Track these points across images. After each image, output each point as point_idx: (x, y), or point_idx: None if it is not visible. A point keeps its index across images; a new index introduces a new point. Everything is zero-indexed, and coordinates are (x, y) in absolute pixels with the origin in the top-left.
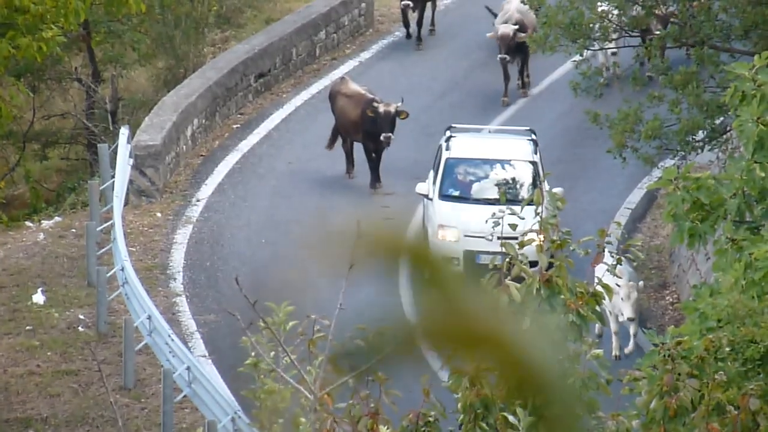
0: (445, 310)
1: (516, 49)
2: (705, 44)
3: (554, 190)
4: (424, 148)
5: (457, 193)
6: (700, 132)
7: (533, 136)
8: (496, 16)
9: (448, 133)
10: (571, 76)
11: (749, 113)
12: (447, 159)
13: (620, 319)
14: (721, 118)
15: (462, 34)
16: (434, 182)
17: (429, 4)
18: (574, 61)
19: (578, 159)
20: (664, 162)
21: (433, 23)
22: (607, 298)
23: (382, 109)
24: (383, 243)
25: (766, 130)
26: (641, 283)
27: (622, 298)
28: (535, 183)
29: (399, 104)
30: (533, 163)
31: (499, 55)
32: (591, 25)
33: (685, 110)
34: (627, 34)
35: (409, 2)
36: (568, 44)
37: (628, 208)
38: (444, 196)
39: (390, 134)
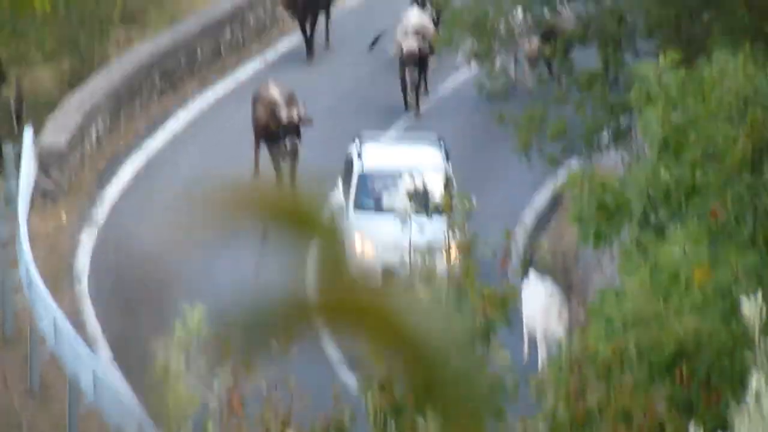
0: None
1: (419, 61)
2: (610, 44)
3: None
4: (330, 153)
5: (371, 205)
6: (605, 133)
7: (443, 144)
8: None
9: (357, 142)
10: (475, 76)
11: (654, 114)
12: (359, 170)
13: (545, 335)
14: (626, 119)
15: (364, 38)
16: (346, 194)
17: (323, 13)
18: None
19: (484, 161)
20: (570, 162)
21: (327, 35)
22: (523, 307)
23: (285, 117)
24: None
25: (670, 131)
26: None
27: (550, 315)
28: (448, 191)
29: (302, 109)
30: (445, 171)
31: (405, 72)
32: (496, 25)
33: (590, 111)
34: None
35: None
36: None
37: (534, 210)
38: (358, 208)
39: (294, 140)
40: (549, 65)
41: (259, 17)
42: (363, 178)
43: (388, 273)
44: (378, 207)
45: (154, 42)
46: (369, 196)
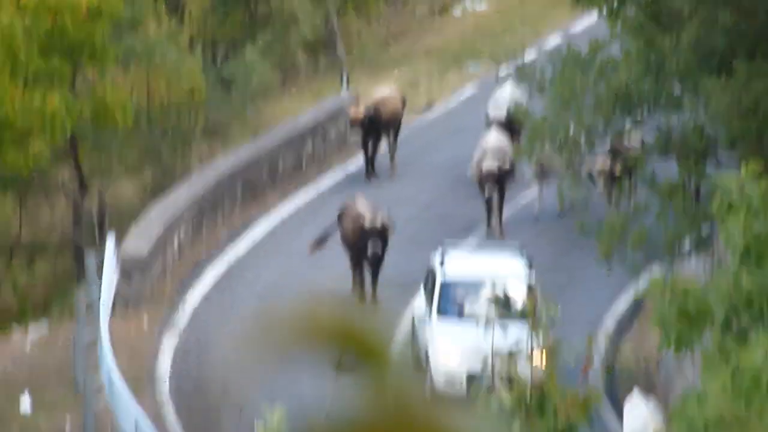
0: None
1: (497, 183)
2: (691, 155)
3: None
4: (411, 259)
5: (454, 312)
6: (686, 241)
7: (524, 252)
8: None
9: (441, 252)
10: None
11: (736, 223)
12: (442, 278)
13: None
14: (707, 228)
15: (445, 147)
16: (429, 301)
17: (387, 134)
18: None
19: (565, 268)
20: (650, 271)
21: (392, 157)
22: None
23: (368, 225)
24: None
25: (752, 240)
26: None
27: None
28: (531, 297)
29: (385, 217)
30: (526, 278)
31: (486, 192)
32: (578, 137)
33: (671, 219)
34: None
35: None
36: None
37: (615, 317)
38: (441, 315)
39: (377, 247)
40: (620, 179)
41: (340, 130)
42: (446, 285)
43: (472, 379)
44: (461, 314)
45: (236, 154)
46: (452, 303)
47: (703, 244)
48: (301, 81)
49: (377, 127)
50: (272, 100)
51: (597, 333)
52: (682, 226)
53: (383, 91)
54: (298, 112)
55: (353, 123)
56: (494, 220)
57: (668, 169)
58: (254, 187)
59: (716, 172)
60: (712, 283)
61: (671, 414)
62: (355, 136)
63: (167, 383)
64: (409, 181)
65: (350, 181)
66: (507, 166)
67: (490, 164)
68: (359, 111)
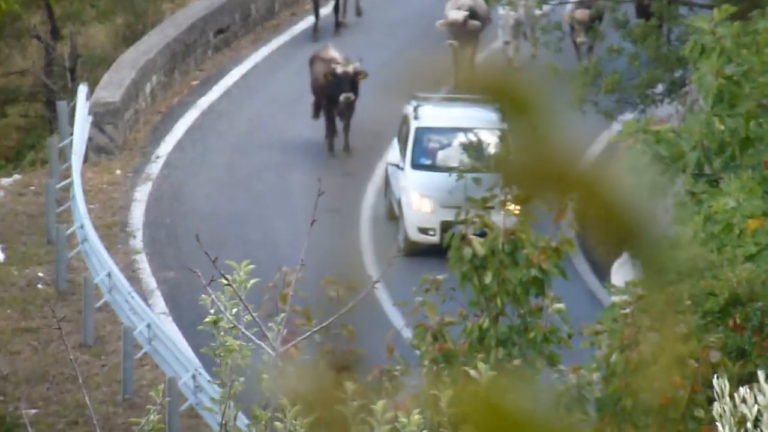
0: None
1: (466, 36)
2: None
3: None
4: (383, 106)
5: (429, 162)
6: (660, 85)
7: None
8: None
9: (413, 102)
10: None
11: (708, 66)
12: (416, 127)
13: None
14: (680, 72)
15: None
16: (403, 152)
17: None
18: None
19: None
20: (624, 116)
21: (357, 7)
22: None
23: (339, 70)
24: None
25: (725, 83)
26: None
27: None
28: (504, 146)
29: (357, 64)
30: (503, 130)
31: (448, 41)
32: None
33: (645, 64)
34: None
35: None
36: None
37: (589, 162)
38: (416, 166)
39: (349, 95)
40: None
41: None
42: (420, 133)
43: (446, 228)
44: (434, 165)
45: None
46: (426, 151)
47: (676, 89)
48: None
49: None
50: None
51: None
52: (655, 71)
53: None
54: None
55: None
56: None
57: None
58: (227, 32)
59: (689, 14)
60: (685, 128)
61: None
62: None
63: (140, 233)
64: (381, 28)
65: (323, 24)
66: (475, 20)
67: (456, 13)
68: None
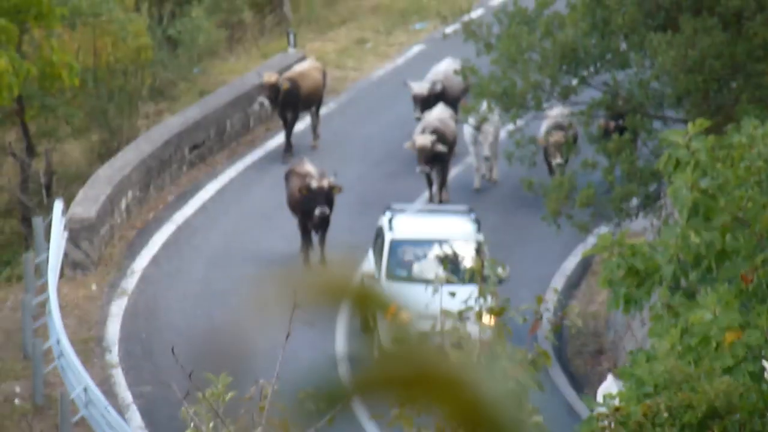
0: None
1: (434, 159)
2: (638, 112)
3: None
4: (359, 217)
5: (404, 274)
6: (634, 199)
7: (473, 215)
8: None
9: (388, 214)
10: (504, 145)
11: (683, 180)
12: (392, 240)
13: None
14: (655, 185)
15: (394, 106)
16: (379, 263)
17: (308, 109)
18: (509, 130)
19: (513, 227)
20: (599, 229)
21: (315, 131)
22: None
23: (314, 184)
24: (329, 285)
25: (700, 196)
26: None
27: None
28: (479, 258)
29: (331, 179)
30: (478, 242)
31: (419, 167)
32: (524, 95)
33: (619, 178)
34: (560, 104)
35: (264, 101)
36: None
37: (564, 275)
38: (392, 277)
39: (324, 209)
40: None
41: None
42: (395, 245)
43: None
44: (410, 276)
45: (183, 114)
46: (401, 263)
47: (650, 202)
48: (248, 40)
49: (296, 101)
50: (219, 59)
51: (546, 292)
52: (630, 185)
53: (303, 64)
54: (245, 71)
55: (267, 87)
56: (434, 190)
57: None
58: (202, 147)
59: (663, 129)
60: (660, 241)
61: (620, 373)
62: (264, 106)
63: (116, 347)
64: (357, 140)
65: (297, 141)
66: (441, 145)
67: (423, 138)
68: (272, 75)
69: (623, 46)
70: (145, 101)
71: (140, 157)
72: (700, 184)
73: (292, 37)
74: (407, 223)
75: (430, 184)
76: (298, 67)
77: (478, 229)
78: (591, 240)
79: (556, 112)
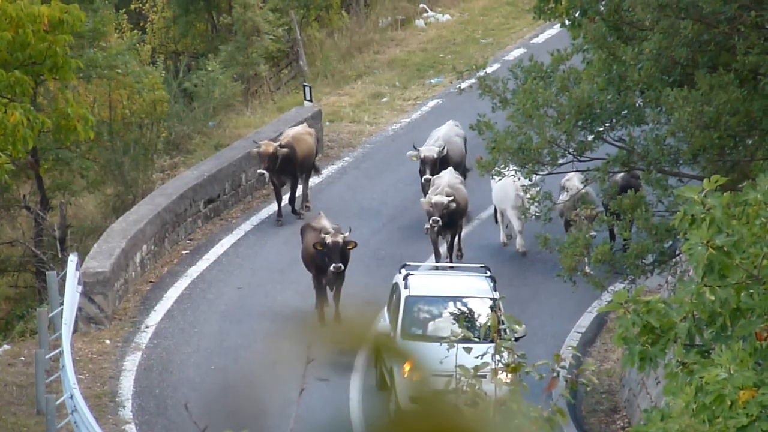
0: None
1: (447, 222)
2: (653, 168)
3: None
4: (374, 272)
5: (419, 332)
6: (649, 256)
7: (489, 273)
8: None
9: (403, 272)
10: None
11: (699, 237)
12: (407, 297)
13: None
14: (670, 242)
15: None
16: (395, 321)
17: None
18: (523, 186)
19: (528, 283)
20: (614, 286)
21: (305, 194)
22: None
23: (329, 240)
24: (346, 338)
25: (715, 253)
26: None
27: None
28: (495, 315)
29: (346, 234)
30: (493, 299)
31: (426, 226)
32: (540, 151)
33: (634, 234)
34: (576, 159)
35: (264, 172)
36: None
37: (579, 332)
38: (407, 335)
39: (339, 265)
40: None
41: None
42: (410, 302)
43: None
44: (425, 334)
45: (198, 168)
46: (416, 320)
47: (666, 259)
48: (264, 93)
49: (293, 165)
50: (234, 112)
51: (561, 349)
52: (645, 242)
53: (296, 128)
54: (261, 125)
55: (266, 157)
56: (444, 251)
57: None
58: (216, 201)
59: (679, 185)
60: (675, 299)
61: (634, 431)
62: (261, 176)
63: (130, 403)
64: (372, 195)
65: (315, 192)
66: (453, 205)
67: (439, 197)
68: (269, 145)
69: (639, 101)
70: (160, 154)
71: (155, 211)
72: (716, 241)
73: (308, 90)
74: (423, 281)
75: (436, 253)
76: (291, 131)
77: (494, 287)
78: (606, 297)
79: (577, 182)
